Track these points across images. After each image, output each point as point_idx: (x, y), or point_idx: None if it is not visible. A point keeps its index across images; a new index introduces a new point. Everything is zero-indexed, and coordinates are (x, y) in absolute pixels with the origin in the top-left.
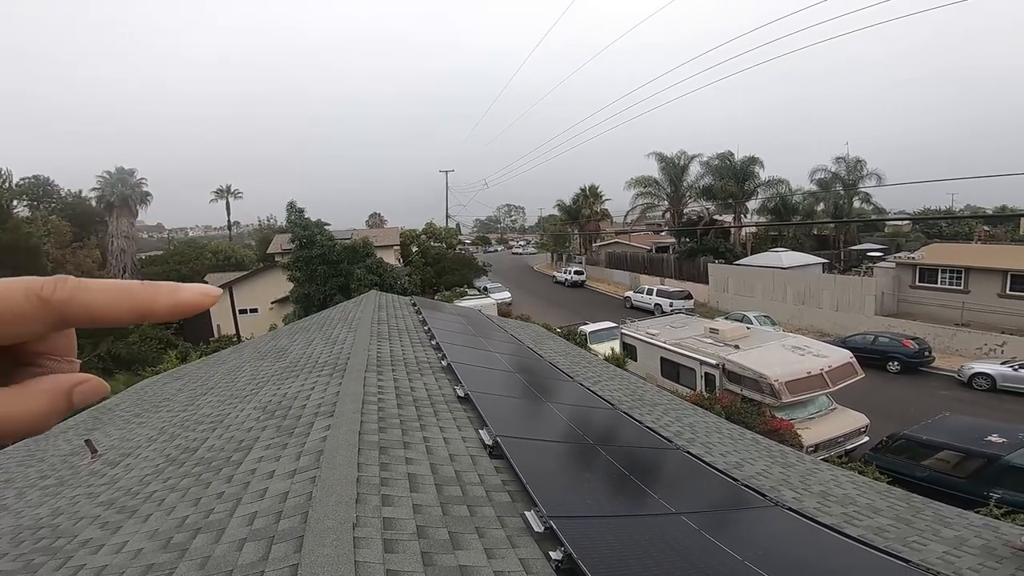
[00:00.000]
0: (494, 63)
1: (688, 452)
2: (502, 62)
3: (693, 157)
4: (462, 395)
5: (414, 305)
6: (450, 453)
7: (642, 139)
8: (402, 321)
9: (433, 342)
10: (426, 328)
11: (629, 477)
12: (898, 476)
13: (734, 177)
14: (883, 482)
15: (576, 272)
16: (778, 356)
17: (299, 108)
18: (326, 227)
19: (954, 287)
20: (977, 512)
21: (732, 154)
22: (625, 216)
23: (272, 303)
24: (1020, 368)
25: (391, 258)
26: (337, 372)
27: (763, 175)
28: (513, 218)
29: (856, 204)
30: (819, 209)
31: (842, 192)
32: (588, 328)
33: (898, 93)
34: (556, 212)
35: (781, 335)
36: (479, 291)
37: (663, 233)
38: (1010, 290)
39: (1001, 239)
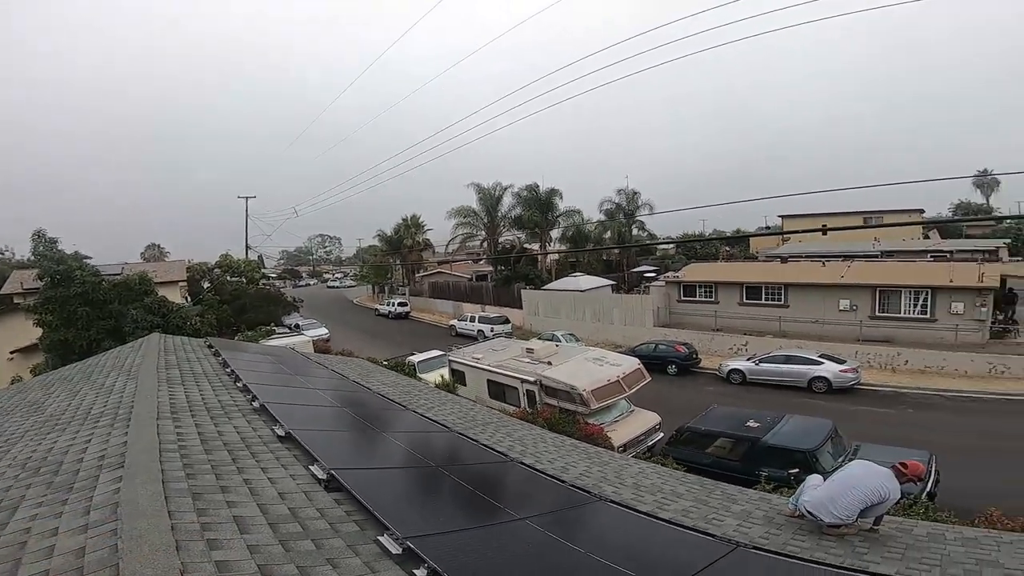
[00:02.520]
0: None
1: (522, 463)
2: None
3: (506, 188)
4: (282, 434)
5: (210, 347)
6: (279, 492)
7: (463, 169)
8: (197, 365)
9: (239, 384)
10: (229, 370)
11: (474, 492)
12: (690, 464)
13: (539, 207)
14: (680, 470)
15: (400, 304)
16: (583, 368)
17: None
18: (86, 260)
19: (708, 299)
20: (754, 488)
21: (538, 186)
22: (447, 245)
23: (11, 353)
24: (760, 363)
25: (176, 296)
26: (120, 422)
27: (562, 205)
28: (327, 249)
29: (635, 231)
30: (607, 236)
31: (623, 221)
32: (416, 358)
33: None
34: (376, 242)
35: (583, 349)
36: (290, 328)
37: (481, 262)
38: (746, 299)
39: (737, 257)
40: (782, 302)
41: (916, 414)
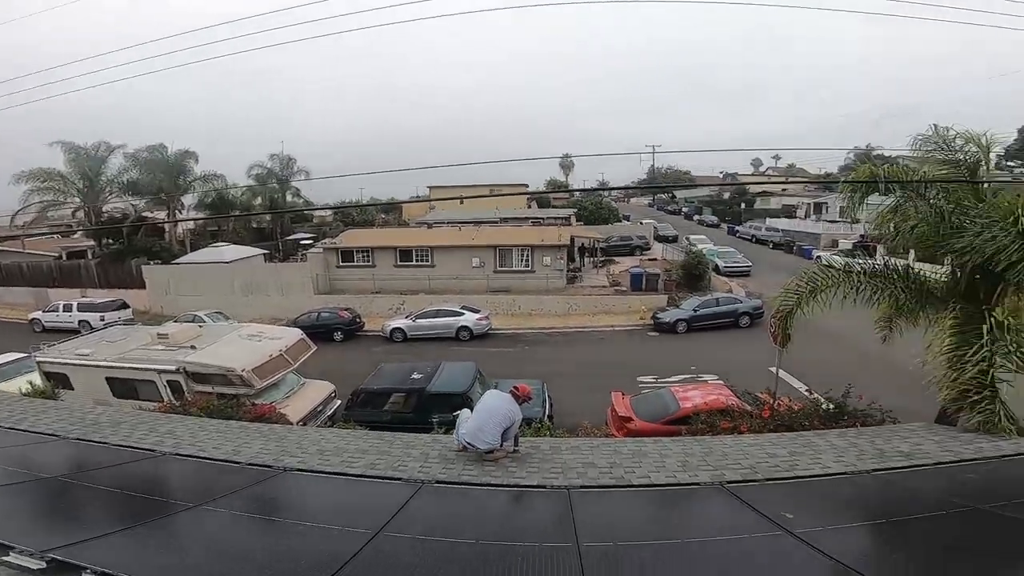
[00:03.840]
0: None
1: (178, 454)
2: None
3: (115, 148)
4: None
5: None
6: None
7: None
8: None
9: None
10: None
11: (126, 493)
12: (372, 423)
13: (167, 172)
14: (363, 430)
15: None
16: (238, 347)
17: None
18: None
19: (366, 263)
20: (430, 434)
21: (166, 147)
22: (12, 217)
23: None
24: (416, 319)
25: None
26: None
27: (198, 170)
28: None
29: (289, 198)
30: (257, 203)
31: (277, 186)
32: None
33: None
34: None
35: (235, 327)
36: None
37: (78, 235)
38: (400, 262)
39: (392, 224)
40: (430, 263)
41: (531, 350)
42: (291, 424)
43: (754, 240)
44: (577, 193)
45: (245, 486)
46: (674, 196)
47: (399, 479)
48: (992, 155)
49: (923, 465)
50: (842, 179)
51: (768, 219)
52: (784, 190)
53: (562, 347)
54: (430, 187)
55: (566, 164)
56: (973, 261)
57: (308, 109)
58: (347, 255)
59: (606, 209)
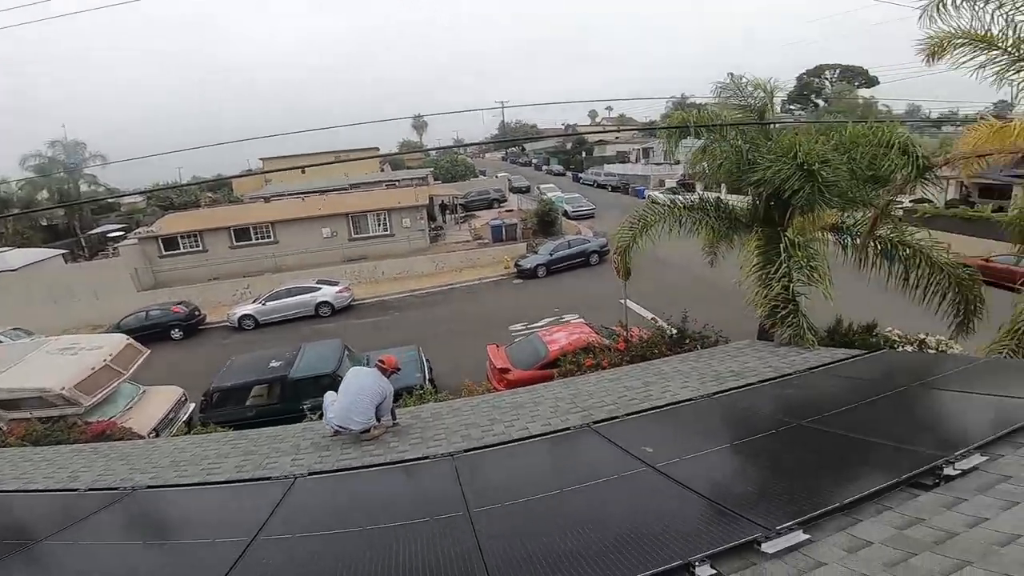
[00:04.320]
0: None
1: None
2: None
3: None
4: None
5: None
6: None
7: None
8: None
9: None
10: None
11: None
12: (236, 421)
13: None
14: (225, 431)
15: None
16: (49, 364)
17: None
18: None
19: (195, 249)
20: (301, 422)
21: None
22: None
23: None
24: (267, 302)
25: None
26: None
27: None
28: None
29: (85, 187)
30: (43, 197)
31: (65, 176)
32: None
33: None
34: None
35: (42, 342)
36: None
37: None
38: (236, 242)
39: (222, 202)
40: (272, 239)
41: (401, 315)
42: (141, 438)
43: (595, 185)
44: (433, 153)
45: (87, 515)
46: (524, 149)
47: (269, 478)
48: (777, 100)
49: (752, 384)
50: (660, 126)
51: (606, 165)
52: (617, 138)
53: (434, 307)
54: (263, 159)
55: (419, 125)
56: (766, 191)
57: (111, 88)
58: (170, 242)
59: (462, 166)
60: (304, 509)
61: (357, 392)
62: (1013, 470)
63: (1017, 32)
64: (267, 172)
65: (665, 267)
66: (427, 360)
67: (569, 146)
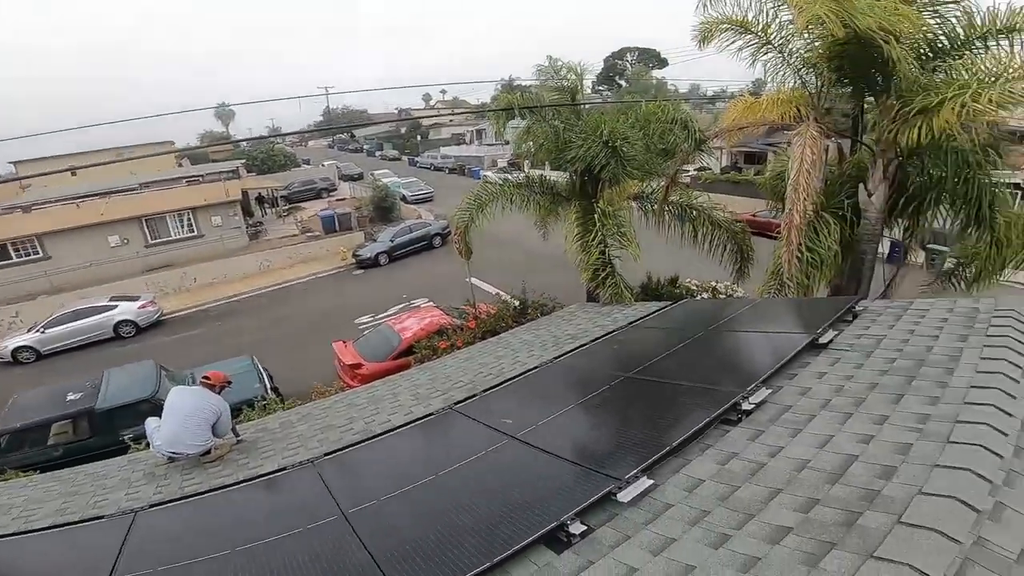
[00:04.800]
0: None
1: None
2: None
3: None
4: None
5: None
6: None
7: None
8: None
9: None
10: None
11: None
12: (39, 465)
13: None
14: (25, 477)
15: None
16: None
17: None
18: None
19: None
20: (126, 454)
21: None
22: None
23: None
24: (46, 329)
25: None
26: None
27: None
28: None
29: None
30: None
31: None
32: None
33: None
34: None
35: None
36: None
37: None
38: None
39: None
40: (41, 255)
41: (225, 324)
42: None
43: (432, 168)
44: (244, 144)
45: None
46: (353, 135)
47: (103, 517)
48: (587, 81)
49: (585, 344)
50: (489, 108)
51: (442, 148)
52: (451, 121)
53: (265, 310)
54: (15, 163)
55: (224, 114)
56: (580, 167)
57: None
58: None
59: (280, 155)
60: (157, 544)
61: (185, 414)
62: (791, 400)
63: (767, 18)
64: (22, 178)
65: (504, 243)
66: (265, 369)
67: (404, 130)
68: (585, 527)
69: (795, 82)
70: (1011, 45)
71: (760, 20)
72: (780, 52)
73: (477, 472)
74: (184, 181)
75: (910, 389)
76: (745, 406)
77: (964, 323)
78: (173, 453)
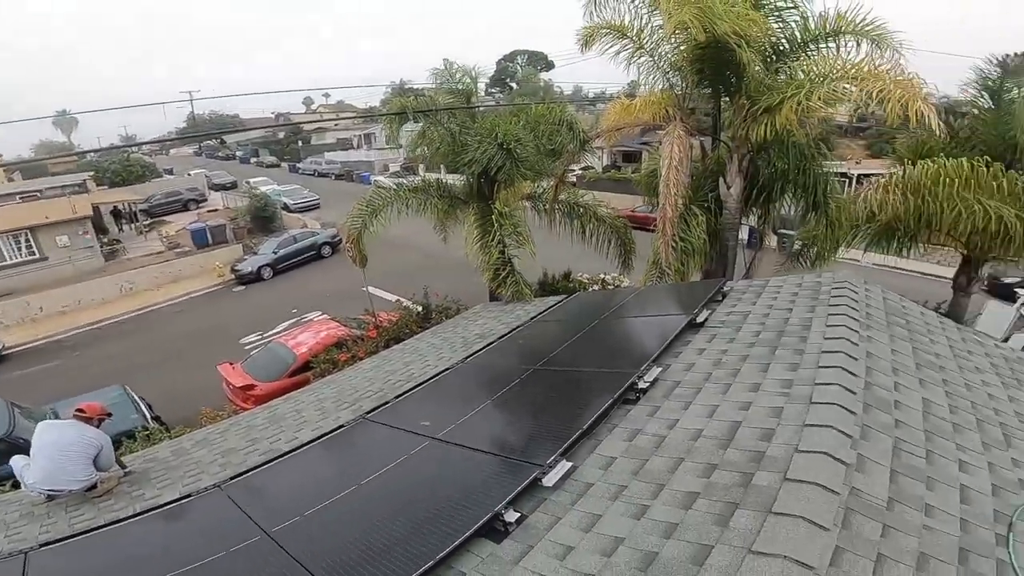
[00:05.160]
0: None
1: None
2: None
3: None
4: None
5: None
6: None
7: None
8: None
9: None
10: None
11: None
12: None
13: None
14: None
15: None
16: None
17: None
18: None
19: None
20: None
21: None
22: None
23: None
24: None
25: None
26: None
27: None
28: None
29: None
30: None
31: None
32: None
33: None
34: None
35: None
36: None
37: None
38: None
39: None
40: None
41: (86, 354)
42: None
43: (316, 174)
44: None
45: None
46: (223, 141)
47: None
48: (481, 84)
49: (493, 342)
50: (381, 112)
51: (326, 153)
52: (336, 125)
53: (133, 336)
54: None
55: (64, 123)
56: (477, 169)
57: None
58: None
59: (138, 165)
60: None
61: (59, 449)
62: (679, 376)
63: (641, 23)
64: None
65: (401, 249)
66: (142, 398)
67: (283, 135)
68: (519, 514)
69: (664, 84)
70: (837, 47)
71: (635, 25)
72: (652, 56)
73: (403, 476)
74: (17, 198)
75: (775, 358)
76: (641, 385)
77: (811, 296)
78: (51, 491)
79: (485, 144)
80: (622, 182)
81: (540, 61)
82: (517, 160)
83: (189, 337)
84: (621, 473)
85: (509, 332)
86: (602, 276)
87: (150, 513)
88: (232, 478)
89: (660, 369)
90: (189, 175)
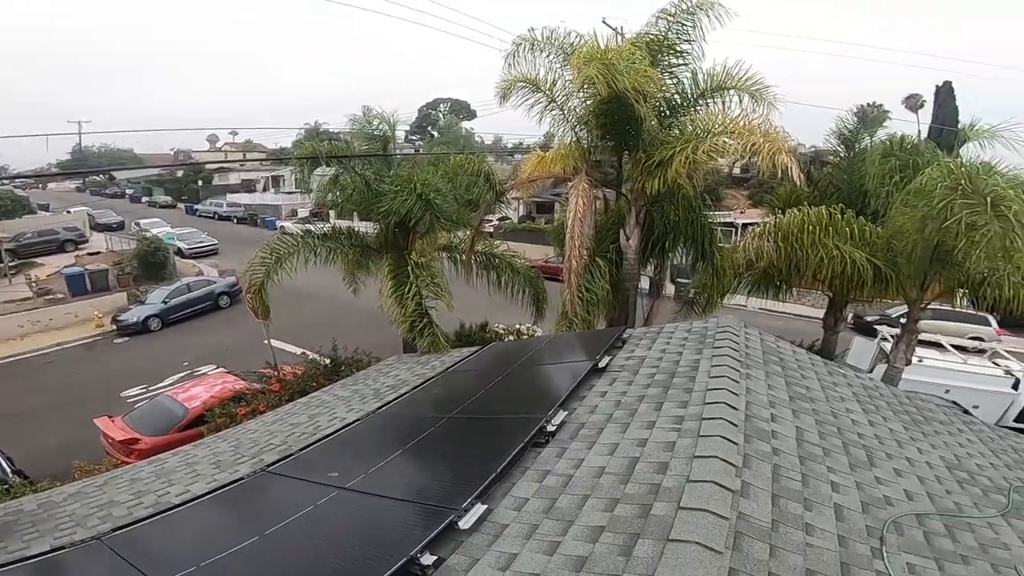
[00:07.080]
0: None
1: None
2: None
3: None
4: None
5: None
6: None
7: None
8: None
9: None
10: None
11: None
12: None
13: None
14: None
15: None
16: None
17: None
18: None
19: None
20: None
21: None
22: None
23: None
24: None
25: None
26: None
27: None
28: None
29: None
30: None
31: None
32: None
33: None
34: None
35: None
36: None
37: None
38: None
39: None
40: None
41: None
42: None
43: (216, 217)
44: None
45: None
46: (112, 177)
47: None
48: (400, 131)
49: (406, 393)
50: (292, 155)
51: (229, 195)
52: (242, 165)
53: (20, 379)
54: None
55: None
56: (394, 220)
57: None
58: None
59: (7, 199)
60: None
61: None
62: (584, 418)
63: (553, 77)
64: None
65: (308, 300)
66: (2, 451)
67: (180, 173)
68: (435, 557)
69: (572, 137)
70: (723, 102)
71: (548, 79)
72: (562, 109)
73: (311, 525)
74: None
75: (667, 397)
76: (549, 428)
77: (699, 340)
78: None
79: (404, 194)
80: (536, 232)
81: (463, 110)
82: (436, 211)
83: (60, 389)
84: (533, 513)
85: (423, 382)
86: (517, 326)
87: (17, 565)
88: (115, 530)
89: (566, 412)
90: (68, 212)
